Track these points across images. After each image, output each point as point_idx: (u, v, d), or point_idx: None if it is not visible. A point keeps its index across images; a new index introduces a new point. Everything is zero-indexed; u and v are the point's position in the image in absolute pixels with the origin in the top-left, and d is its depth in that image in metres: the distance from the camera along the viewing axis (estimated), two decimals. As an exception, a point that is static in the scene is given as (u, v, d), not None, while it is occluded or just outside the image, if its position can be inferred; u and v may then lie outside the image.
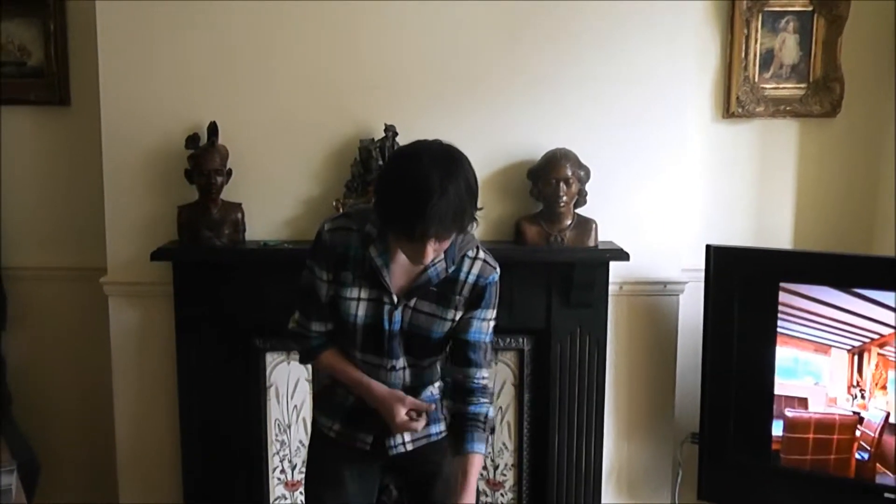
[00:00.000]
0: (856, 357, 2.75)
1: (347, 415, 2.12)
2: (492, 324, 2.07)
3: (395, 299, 1.99)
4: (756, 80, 3.13)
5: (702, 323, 2.92)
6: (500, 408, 3.05)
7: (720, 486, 2.97)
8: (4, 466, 2.76)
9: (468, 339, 2.04)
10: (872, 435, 2.74)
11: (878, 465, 2.75)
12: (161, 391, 3.01)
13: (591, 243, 2.94)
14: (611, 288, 2.98)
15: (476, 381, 2.06)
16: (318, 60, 2.90)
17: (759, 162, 3.21)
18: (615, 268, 2.95)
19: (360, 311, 1.99)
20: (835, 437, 2.79)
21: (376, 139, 2.87)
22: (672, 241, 3.04)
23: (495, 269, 2.04)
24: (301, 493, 3.03)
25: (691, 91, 3.05)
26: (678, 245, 3.05)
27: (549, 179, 2.86)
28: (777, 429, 2.85)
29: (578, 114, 2.95)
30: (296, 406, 3.04)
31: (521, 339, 3.00)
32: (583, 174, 2.89)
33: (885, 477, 2.74)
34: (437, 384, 2.14)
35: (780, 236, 3.22)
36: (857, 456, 2.77)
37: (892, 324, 2.67)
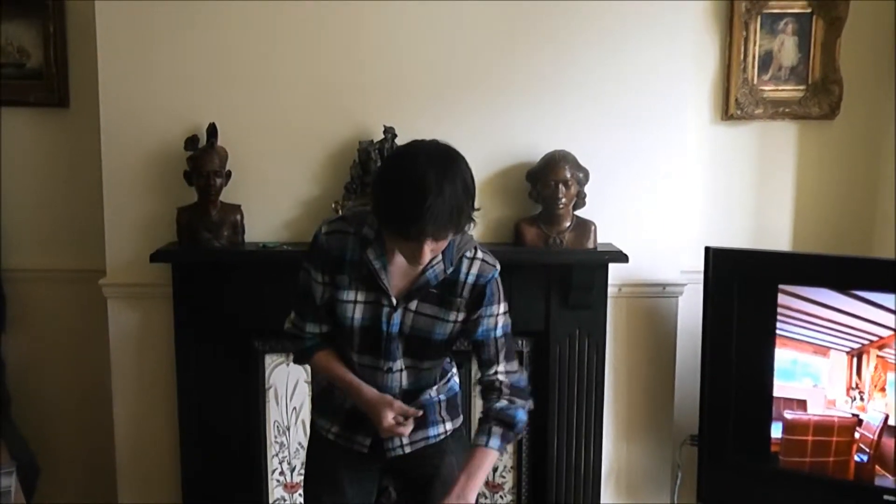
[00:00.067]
0: (855, 359, 2.75)
1: (346, 417, 2.12)
2: (501, 319, 2.05)
3: (394, 301, 1.99)
4: (755, 81, 3.13)
5: (701, 325, 2.92)
6: (500, 409, 3.05)
7: (719, 487, 2.96)
8: (4, 468, 2.75)
9: (477, 338, 2.04)
10: (871, 437, 2.74)
11: (877, 466, 2.75)
12: (160, 393, 3.01)
13: (590, 245, 2.94)
14: (610, 290, 2.98)
15: (489, 377, 2.05)
16: (318, 62, 2.90)
17: (758, 164, 3.21)
18: (614, 270, 2.95)
19: (358, 313, 1.99)
20: (834, 439, 2.79)
21: (375, 141, 2.88)
22: (671, 242, 3.04)
23: (495, 266, 2.03)
24: (300, 494, 3.03)
25: (690, 93, 3.05)
26: (677, 247, 3.06)
27: (548, 181, 2.86)
28: (776, 431, 2.85)
29: (577, 116, 2.96)
30: (295, 408, 3.05)
31: (520, 341, 2.99)
32: (582, 176, 2.89)
33: (884, 479, 2.74)
34: (436, 387, 2.14)
35: (779, 238, 3.22)
36: (856, 458, 2.77)
37: (892, 326, 2.67)
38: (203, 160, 2.81)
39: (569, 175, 2.86)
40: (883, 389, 2.71)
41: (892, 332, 2.68)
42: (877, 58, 3.14)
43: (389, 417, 1.99)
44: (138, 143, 2.91)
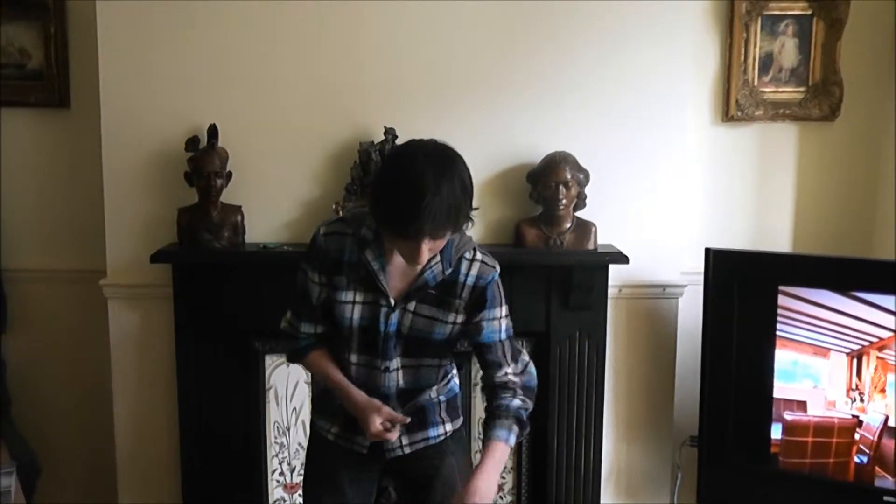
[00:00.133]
0: (855, 360, 2.75)
1: (346, 417, 2.12)
2: (504, 321, 2.06)
3: (392, 302, 1.99)
4: (755, 83, 3.13)
5: (701, 326, 2.92)
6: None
7: (719, 488, 2.97)
8: (4, 468, 2.75)
9: (482, 341, 2.04)
10: (871, 438, 2.74)
11: (876, 468, 2.75)
12: (160, 393, 3.01)
13: (591, 246, 2.94)
14: (610, 291, 2.98)
15: (497, 379, 2.05)
16: (318, 63, 2.90)
17: (759, 165, 3.21)
18: (614, 271, 2.95)
19: (356, 314, 2.00)
20: (834, 440, 2.79)
21: (376, 142, 2.88)
22: (671, 244, 3.04)
23: (494, 268, 2.04)
24: (300, 495, 3.03)
25: (691, 94, 3.05)
26: (677, 248, 3.06)
27: (549, 182, 2.86)
28: (776, 432, 2.85)
29: (578, 117, 2.96)
30: (295, 408, 3.05)
31: (520, 342, 2.97)
32: (582, 177, 2.90)
33: (884, 480, 2.74)
34: (435, 388, 2.14)
35: (779, 240, 3.22)
36: (856, 459, 2.78)
37: (892, 327, 2.68)
38: (204, 161, 2.81)
39: (569, 176, 2.86)
40: (883, 391, 2.71)
41: (892, 334, 2.68)
42: (877, 59, 3.14)
43: (377, 422, 2.00)
44: (139, 144, 2.91)
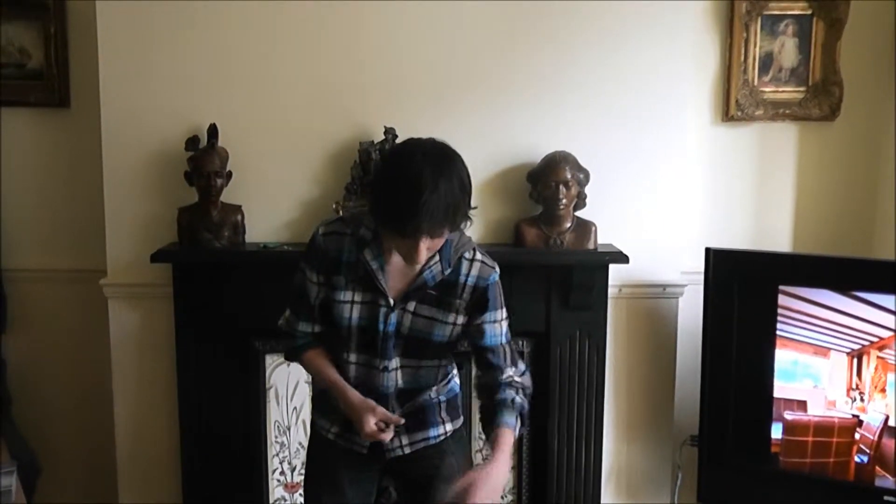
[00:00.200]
0: (855, 360, 2.75)
1: (345, 417, 2.11)
2: (504, 324, 2.07)
3: (391, 302, 2.00)
4: (755, 83, 3.13)
5: (701, 326, 2.92)
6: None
7: (719, 488, 2.97)
8: (4, 467, 2.75)
9: (485, 344, 2.05)
10: (872, 438, 2.74)
11: (877, 467, 2.75)
12: (161, 393, 3.01)
13: (591, 246, 2.94)
14: (610, 290, 2.98)
15: (506, 380, 2.05)
16: (318, 62, 2.90)
17: (759, 165, 3.21)
18: (615, 270, 2.95)
19: (355, 313, 2.00)
20: (834, 439, 2.79)
21: (376, 141, 2.88)
22: (671, 243, 3.04)
23: (494, 268, 2.04)
24: (300, 494, 3.03)
25: (691, 94, 3.06)
26: (677, 248, 3.06)
27: (549, 182, 2.86)
28: (776, 431, 2.85)
29: (578, 116, 2.96)
30: (295, 408, 3.05)
31: (520, 342, 2.99)
32: (582, 177, 2.90)
33: (884, 480, 2.74)
34: (435, 388, 2.14)
35: (779, 239, 3.22)
36: (856, 459, 2.78)
37: (892, 327, 2.68)
38: (204, 161, 2.81)
39: (569, 176, 2.86)
40: (883, 390, 2.71)
41: (892, 333, 2.68)
42: (877, 59, 3.14)
43: (371, 423, 2.00)
44: (139, 144, 2.91)
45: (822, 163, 3.21)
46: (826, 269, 2.82)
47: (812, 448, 2.82)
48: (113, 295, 2.98)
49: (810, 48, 3.13)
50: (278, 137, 2.93)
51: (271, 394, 3.03)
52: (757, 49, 3.12)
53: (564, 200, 2.87)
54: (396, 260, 1.97)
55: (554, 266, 2.92)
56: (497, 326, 2.05)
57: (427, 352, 2.06)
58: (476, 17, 2.90)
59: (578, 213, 2.94)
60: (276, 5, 2.87)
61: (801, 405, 2.82)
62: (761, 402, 2.85)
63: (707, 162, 3.18)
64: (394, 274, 2.00)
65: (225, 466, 2.98)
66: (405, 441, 2.12)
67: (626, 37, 2.93)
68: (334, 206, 2.89)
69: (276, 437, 3.06)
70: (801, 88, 3.15)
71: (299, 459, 3.05)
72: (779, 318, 2.81)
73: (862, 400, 2.75)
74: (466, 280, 2.01)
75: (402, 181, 1.80)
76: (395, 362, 2.04)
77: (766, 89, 3.15)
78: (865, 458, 2.76)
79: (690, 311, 3.04)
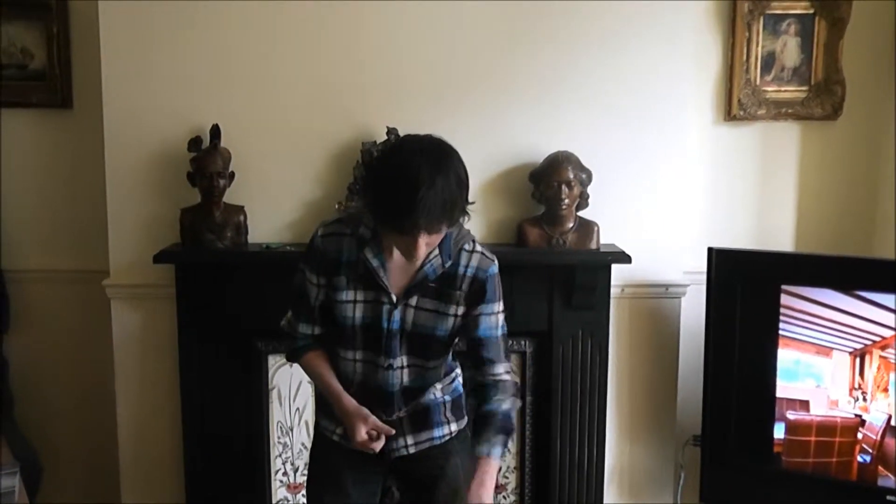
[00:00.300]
0: (857, 359, 2.75)
1: (350, 418, 2.12)
2: (501, 317, 2.07)
3: (394, 299, 2.00)
4: (757, 82, 3.13)
5: (703, 325, 2.92)
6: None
7: (722, 488, 2.97)
8: (7, 468, 2.75)
9: (479, 335, 2.05)
10: (874, 437, 2.74)
11: (879, 467, 2.75)
12: (163, 393, 3.01)
13: (593, 246, 2.94)
14: (613, 290, 2.98)
15: (490, 377, 2.06)
16: (320, 63, 2.91)
17: (761, 164, 3.21)
18: (617, 270, 2.95)
19: (358, 312, 2.01)
20: (836, 439, 2.79)
21: (378, 142, 2.88)
22: (674, 243, 3.04)
23: (493, 261, 2.04)
24: (303, 495, 3.03)
25: (693, 94, 3.06)
26: (680, 248, 3.06)
27: (551, 182, 2.86)
28: (779, 431, 2.85)
29: (579, 116, 2.96)
30: (298, 408, 3.05)
31: (523, 342, 3.00)
32: (584, 177, 2.89)
33: (887, 479, 2.74)
34: (440, 386, 2.14)
35: (781, 239, 3.22)
36: (858, 458, 2.77)
37: (894, 326, 2.67)
38: (206, 161, 2.81)
39: (572, 176, 2.86)
40: (886, 390, 2.71)
41: (894, 333, 2.68)
42: (879, 59, 3.14)
43: (363, 432, 2.00)
44: (141, 144, 2.91)
45: (825, 162, 3.21)
46: (828, 268, 2.82)
47: (814, 448, 2.82)
48: (115, 295, 2.98)
49: (812, 47, 3.13)
50: (280, 138, 2.93)
51: (274, 394, 3.04)
52: (759, 48, 3.12)
53: (567, 200, 2.87)
54: (397, 257, 1.97)
55: (556, 266, 2.92)
56: (492, 318, 2.05)
57: (431, 350, 2.06)
58: (476, 17, 2.90)
59: (581, 213, 2.94)
60: (277, 5, 2.87)
61: (804, 405, 2.82)
62: (764, 401, 2.85)
63: (709, 161, 3.18)
64: (395, 271, 2.00)
65: (227, 467, 2.98)
66: (410, 441, 2.12)
67: (628, 37, 2.93)
68: (337, 206, 2.89)
69: (278, 437, 3.06)
70: (804, 88, 3.15)
71: (302, 460, 3.05)
72: (781, 317, 2.81)
73: (864, 399, 2.75)
74: (466, 271, 2.01)
75: (399, 177, 1.80)
76: (400, 360, 2.04)
77: (769, 89, 3.15)
78: (868, 458, 2.76)
79: (693, 311, 3.04)
